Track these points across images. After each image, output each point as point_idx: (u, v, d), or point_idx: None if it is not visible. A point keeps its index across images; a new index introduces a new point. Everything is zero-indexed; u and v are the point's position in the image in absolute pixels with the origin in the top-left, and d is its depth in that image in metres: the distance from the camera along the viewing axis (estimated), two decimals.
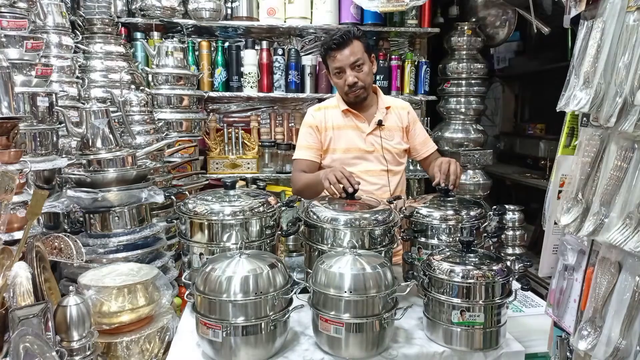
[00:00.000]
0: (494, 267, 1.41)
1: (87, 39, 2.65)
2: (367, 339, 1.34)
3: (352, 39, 2.05)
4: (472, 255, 1.46)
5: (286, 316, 1.38)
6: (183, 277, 1.63)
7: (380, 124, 2.17)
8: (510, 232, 3.54)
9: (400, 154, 2.24)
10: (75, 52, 2.40)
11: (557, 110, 1.22)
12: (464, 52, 3.74)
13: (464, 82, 3.76)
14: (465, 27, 3.69)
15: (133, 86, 2.65)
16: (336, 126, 2.20)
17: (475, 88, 3.77)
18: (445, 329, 1.41)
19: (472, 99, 3.79)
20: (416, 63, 3.71)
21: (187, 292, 1.44)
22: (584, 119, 1.20)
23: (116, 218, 1.77)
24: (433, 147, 2.33)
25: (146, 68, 3.07)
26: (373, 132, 2.18)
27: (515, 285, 1.48)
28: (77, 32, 2.55)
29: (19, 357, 1.05)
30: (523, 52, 4.87)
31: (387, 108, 2.22)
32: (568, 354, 1.23)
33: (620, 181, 1.07)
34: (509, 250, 3.54)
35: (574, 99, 1.14)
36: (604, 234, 1.07)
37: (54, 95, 1.90)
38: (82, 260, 1.52)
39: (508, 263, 1.47)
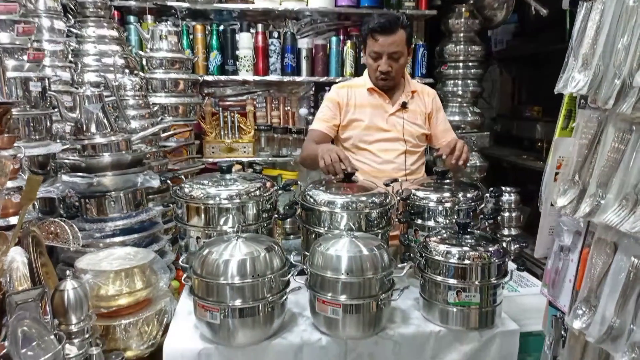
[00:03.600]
0: (490, 249, 1.42)
1: (79, 22, 2.61)
2: (364, 320, 1.36)
3: (399, 28, 2.04)
4: (468, 236, 1.47)
5: (283, 298, 1.39)
6: (180, 260, 1.63)
7: (404, 106, 2.17)
8: (507, 214, 3.56)
9: (420, 138, 2.25)
10: (67, 36, 2.36)
11: (555, 93, 1.21)
12: (462, 35, 3.71)
13: (461, 64, 3.74)
14: (463, 9, 3.66)
15: (127, 70, 2.61)
16: (359, 104, 2.21)
17: (472, 70, 3.75)
18: (442, 309, 1.43)
19: (469, 81, 3.77)
20: (413, 45, 3.68)
21: (185, 275, 1.45)
22: (582, 101, 1.19)
23: (112, 203, 1.77)
24: (453, 138, 2.22)
25: (140, 52, 3.03)
26: (396, 113, 2.19)
27: (511, 265, 1.49)
28: (69, 15, 2.51)
29: (18, 341, 1.06)
30: (521, 34, 4.83)
31: (413, 92, 2.24)
32: (563, 332, 1.24)
33: (617, 163, 1.07)
34: (505, 232, 3.56)
35: (572, 80, 1.13)
36: (600, 216, 1.07)
37: (46, 80, 1.88)
38: (78, 245, 1.52)
39: (504, 244, 1.48)
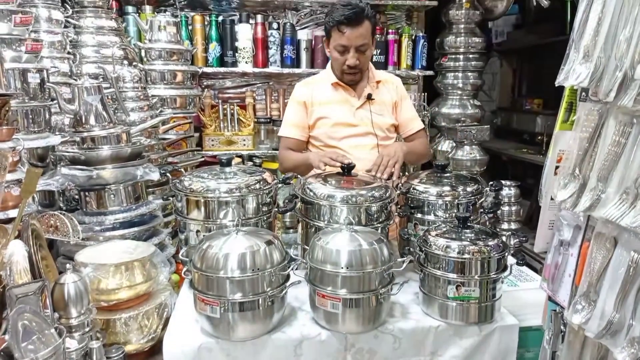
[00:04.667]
0: (490, 243, 1.42)
1: (77, 13, 2.58)
2: (364, 314, 1.36)
3: (365, 19, 1.99)
4: (468, 230, 1.47)
5: (283, 292, 1.39)
6: (180, 254, 1.63)
7: (369, 97, 2.13)
8: (506, 208, 3.56)
9: (390, 129, 2.20)
10: (65, 26, 2.35)
11: (556, 85, 1.20)
12: (462, 26, 3.69)
13: (461, 56, 3.72)
14: (464, 0, 3.64)
15: (126, 62, 2.60)
16: (324, 101, 2.15)
17: (472, 63, 3.74)
18: (441, 304, 1.43)
19: (469, 73, 3.76)
20: (413, 37, 3.66)
21: (185, 269, 1.45)
22: (583, 93, 1.19)
23: (112, 196, 1.76)
24: (418, 126, 2.25)
25: (139, 43, 3.01)
26: (362, 106, 2.14)
27: (511, 260, 1.49)
28: (67, 6, 2.49)
29: (18, 334, 1.06)
30: (522, 25, 4.81)
31: (378, 82, 2.19)
32: (562, 327, 1.25)
33: (618, 156, 1.06)
34: (505, 226, 3.56)
35: (574, 73, 1.12)
36: (600, 210, 1.07)
37: (45, 72, 1.87)
38: (78, 238, 1.52)
39: (504, 238, 1.48)
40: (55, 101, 1.85)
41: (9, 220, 1.46)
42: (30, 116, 1.80)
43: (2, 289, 1.24)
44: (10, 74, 1.72)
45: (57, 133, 1.96)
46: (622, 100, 1.02)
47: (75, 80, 2.23)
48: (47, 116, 1.88)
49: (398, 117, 2.23)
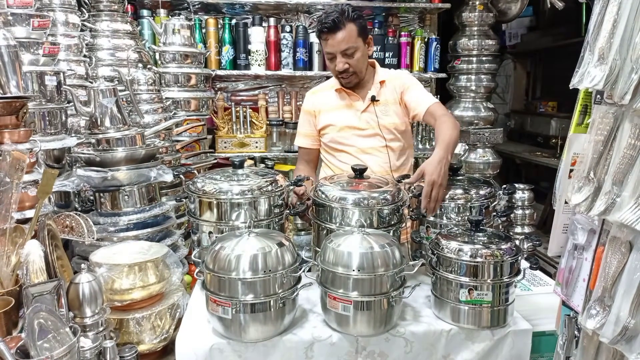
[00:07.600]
0: (503, 246, 1.41)
1: (93, 16, 2.63)
2: (375, 317, 1.36)
3: (346, 22, 1.95)
4: (480, 234, 1.46)
5: (295, 294, 1.39)
6: (193, 255, 1.64)
7: (373, 99, 2.11)
8: (520, 211, 3.53)
9: (398, 129, 2.15)
10: (82, 30, 2.38)
11: (571, 88, 1.19)
12: (475, 28, 3.67)
13: (474, 59, 3.70)
14: (477, 2, 3.61)
15: (140, 64, 2.63)
16: (329, 108, 2.18)
17: (486, 65, 3.71)
18: (453, 307, 1.42)
19: (482, 76, 3.73)
20: (426, 40, 3.65)
21: (197, 270, 1.46)
22: (598, 96, 1.17)
23: (126, 197, 1.78)
24: (429, 101, 2.07)
25: (153, 46, 3.05)
26: (367, 109, 2.13)
27: (524, 264, 1.48)
28: (84, 9, 2.53)
29: (34, 333, 1.08)
30: (536, 27, 4.78)
31: (382, 82, 2.16)
32: (576, 332, 1.23)
33: (633, 160, 1.05)
34: (518, 229, 3.53)
35: (588, 75, 1.11)
36: (615, 214, 1.05)
37: (61, 74, 1.90)
38: (93, 238, 1.54)
39: (517, 242, 1.47)
40: (71, 103, 1.88)
41: (26, 221, 1.48)
42: (47, 118, 1.83)
43: (19, 287, 1.26)
44: (28, 77, 1.75)
45: (73, 135, 1.99)
46: (637, 103, 1.01)
47: (91, 82, 2.26)
48: (64, 118, 1.91)
49: (407, 104, 2.14)
